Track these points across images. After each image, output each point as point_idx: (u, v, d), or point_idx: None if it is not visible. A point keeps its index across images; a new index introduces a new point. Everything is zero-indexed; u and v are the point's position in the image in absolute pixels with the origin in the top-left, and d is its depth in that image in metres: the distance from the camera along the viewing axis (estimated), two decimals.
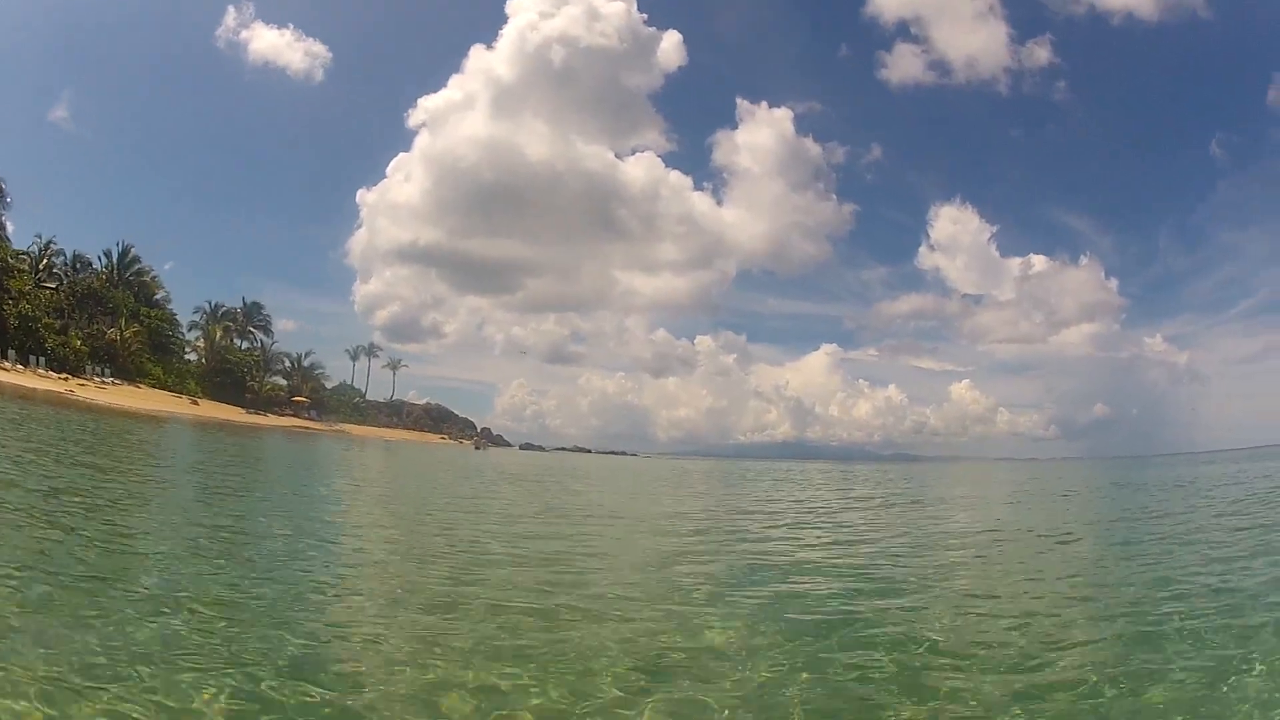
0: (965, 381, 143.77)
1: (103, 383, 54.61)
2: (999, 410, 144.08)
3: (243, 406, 67.94)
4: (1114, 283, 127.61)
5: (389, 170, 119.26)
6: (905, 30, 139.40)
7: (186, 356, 71.72)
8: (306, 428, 67.39)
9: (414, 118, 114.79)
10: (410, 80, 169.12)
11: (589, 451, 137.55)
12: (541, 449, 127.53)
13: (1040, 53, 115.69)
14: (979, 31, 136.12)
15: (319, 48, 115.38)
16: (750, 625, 6.07)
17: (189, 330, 73.39)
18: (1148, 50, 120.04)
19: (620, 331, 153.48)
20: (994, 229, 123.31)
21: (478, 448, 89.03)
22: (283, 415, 71.44)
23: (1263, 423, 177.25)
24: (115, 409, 45.72)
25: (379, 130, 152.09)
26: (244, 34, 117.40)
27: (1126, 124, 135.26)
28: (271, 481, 18.06)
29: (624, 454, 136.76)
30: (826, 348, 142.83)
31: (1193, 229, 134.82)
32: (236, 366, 72.95)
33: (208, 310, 75.42)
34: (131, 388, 56.60)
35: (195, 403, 61.38)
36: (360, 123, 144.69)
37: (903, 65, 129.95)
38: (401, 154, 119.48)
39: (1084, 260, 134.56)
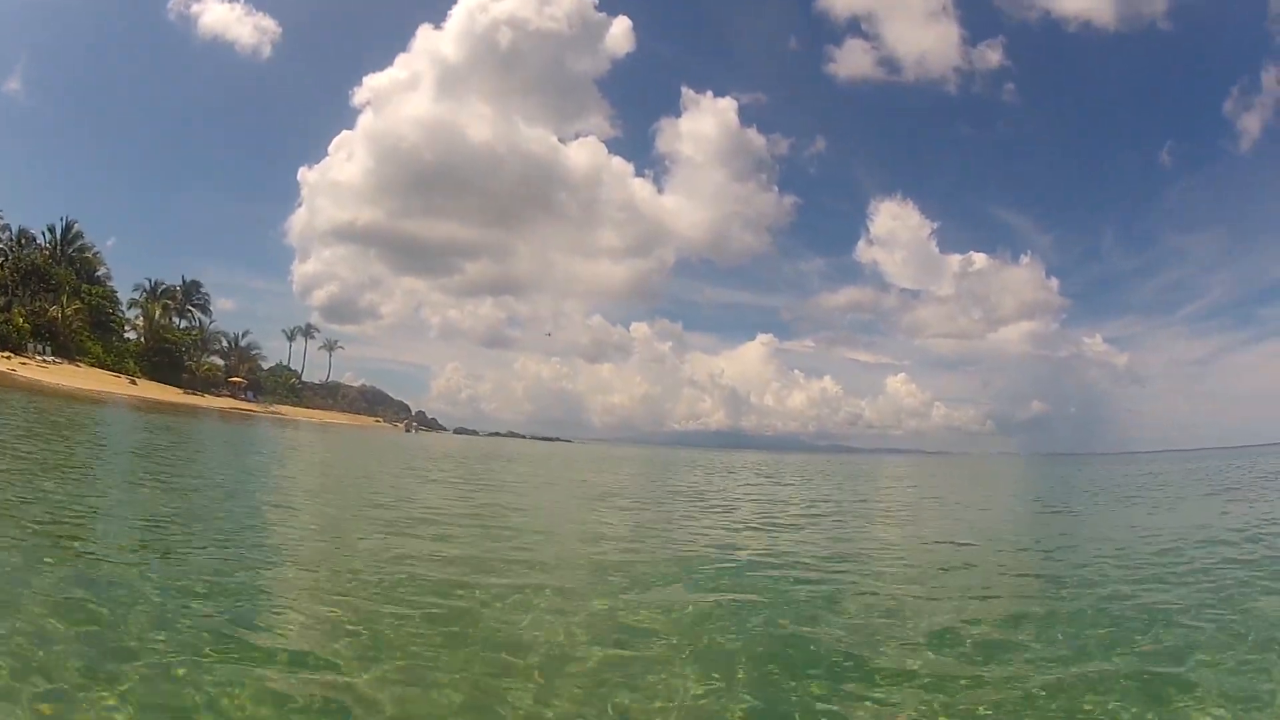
0: (901, 375, 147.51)
1: (44, 361, 56.95)
2: (935, 404, 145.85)
3: (180, 387, 70.23)
4: (1055, 282, 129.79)
5: (331, 149, 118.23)
6: (856, 26, 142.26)
7: (126, 335, 73.57)
8: (243, 410, 70.17)
9: (359, 96, 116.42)
10: (358, 58, 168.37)
11: (522, 437, 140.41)
12: (475, 433, 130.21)
13: (991, 55, 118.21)
14: (931, 31, 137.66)
15: (268, 22, 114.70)
16: (668, 616, 6.25)
17: (129, 308, 75.01)
18: (1102, 58, 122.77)
19: (556, 316, 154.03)
20: (935, 225, 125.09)
21: (408, 430, 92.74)
22: (219, 396, 73.98)
23: (1209, 426, 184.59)
24: (58, 389, 48.36)
25: (324, 108, 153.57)
26: (195, 7, 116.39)
27: (1075, 128, 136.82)
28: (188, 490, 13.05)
29: (557, 440, 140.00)
30: (763, 338, 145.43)
31: (1138, 232, 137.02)
32: (175, 346, 75.00)
33: (147, 288, 76.89)
34: (72, 367, 58.93)
35: (134, 382, 63.70)
36: (306, 100, 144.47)
37: (852, 60, 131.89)
38: (345, 132, 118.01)
39: (1025, 259, 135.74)
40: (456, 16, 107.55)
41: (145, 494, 11.29)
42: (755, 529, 12.79)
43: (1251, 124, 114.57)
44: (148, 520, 8.97)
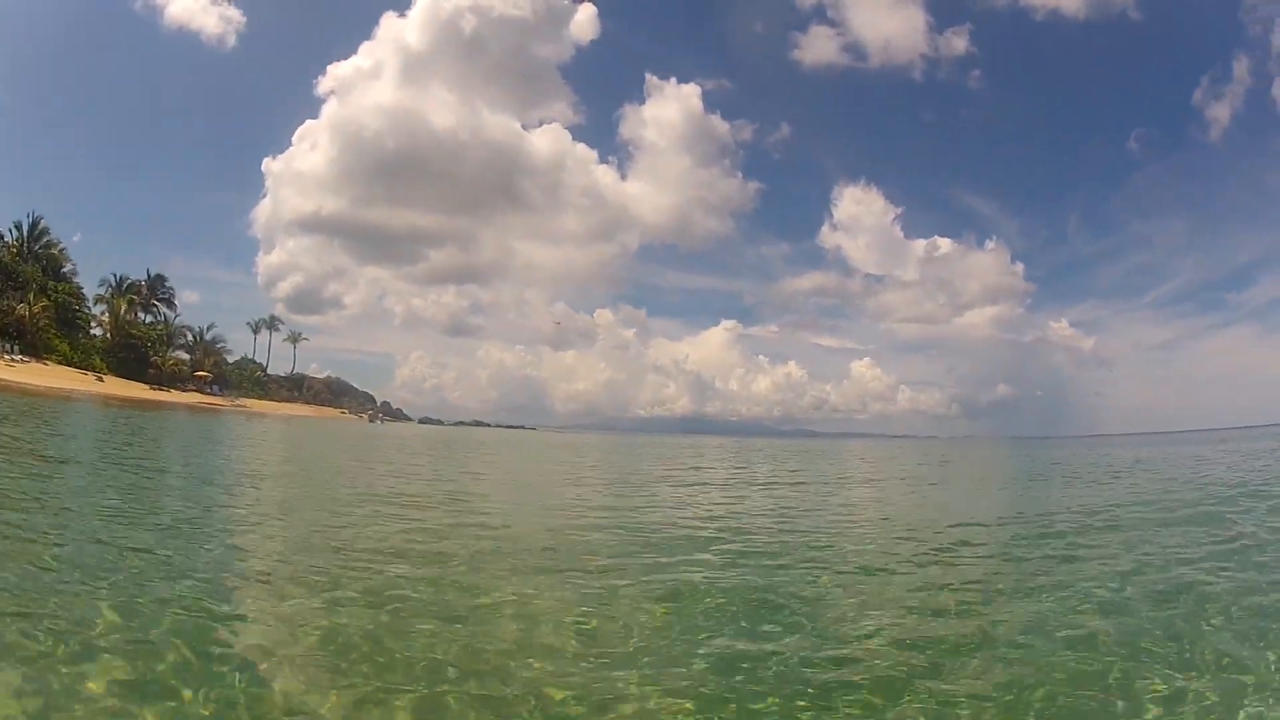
0: (866, 359, 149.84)
1: (11, 360, 58.64)
2: (900, 388, 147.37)
3: (146, 382, 71.96)
4: (1020, 267, 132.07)
5: (295, 138, 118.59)
6: (822, 12, 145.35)
7: (93, 332, 74.91)
8: (209, 404, 72.06)
9: (323, 85, 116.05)
10: (323, 47, 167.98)
11: (487, 425, 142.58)
12: (441, 423, 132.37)
13: (958, 42, 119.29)
14: (897, 17, 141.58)
15: (233, 11, 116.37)
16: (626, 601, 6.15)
17: (95, 304, 76.20)
18: (1071, 46, 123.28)
19: (520, 304, 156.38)
20: (899, 210, 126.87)
21: (371, 421, 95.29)
22: (186, 391, 75.72)
23: (1177, 409, 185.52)
24: (25, 388, 50.16)
25: (289, 97, 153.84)
26: None
27: (1042, 115, 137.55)
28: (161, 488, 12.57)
29: (522, 428, 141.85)
30: (726, 323, 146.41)
31: (1104, 217, 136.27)
32: (140, 341, 76.51)
33: (113, 283, 78.16)
34: (40, 365, 60.65)
35: (100, 379, 65.47)
36: (272, 89, 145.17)
37: (817, 46, 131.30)
38: (309, 121, 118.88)
39: (990, 244, 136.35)
40: (420, 4, 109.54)
41: (111, 490, 10.82)
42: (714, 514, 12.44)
43: (1221, 113, 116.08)
44: (113, 514, 8.73)
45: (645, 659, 4.80)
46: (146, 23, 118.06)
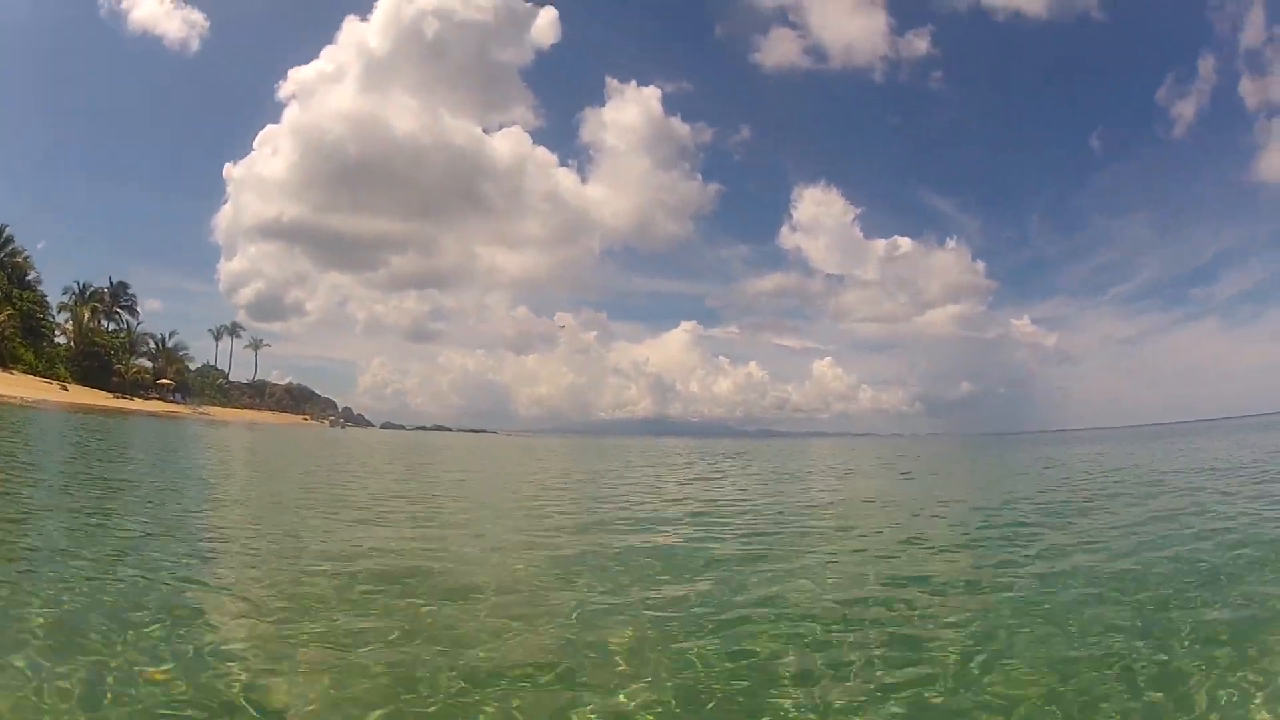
0: (828, 359, 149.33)
1: None
2: (862, 387, 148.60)
3: (109, 390, 73.17)
4: (981, 265, 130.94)
5: (257, 143, 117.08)
6: (783, 15, 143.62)
7: (57, 340, 75.67)
8: (172, 412, 73.56)
9: (284, 89, 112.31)
10: (285, 51, 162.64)
11: (449, 430, 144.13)
12: (403, 428, 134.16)
13: (919, 43, 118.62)
14: (858, 19, 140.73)
15: (197, 15, 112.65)
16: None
17: (59, 312, 77.02)
18: (1033, 46, 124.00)
19: (481, 309, 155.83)
20: (859, 211, 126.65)
21: (333, 426, 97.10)
22: (149, 399, 77.20)
23: (1142, 404, 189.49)
24: None
25: (251, 102, 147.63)
26: (125, 2, 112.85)
27: (1003, 115, 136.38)
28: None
29: (484, 432, 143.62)
30: (687, 325, 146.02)
31: (1066, 214, 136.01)
32: (104, 350, 77.67)
33: (76, 291, 79.07)
34: (6, 374, 62.01)
35: (65, 388, 66.76)
36: (234, 94, 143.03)
37: (778, 49, 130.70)
38: (270, 126, 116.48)
39: (951, 243, 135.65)
40: (382, 8, 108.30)
41: (76, 496, 11.07)
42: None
43: (1186, 110, 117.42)
44: (82, 521, 8.93)
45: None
46: (111, 29, 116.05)
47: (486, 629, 5.26)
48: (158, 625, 4.99)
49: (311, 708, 3.90)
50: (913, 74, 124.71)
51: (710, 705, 4.11)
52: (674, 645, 4.97)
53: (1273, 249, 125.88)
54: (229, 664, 4.37)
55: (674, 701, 4.12)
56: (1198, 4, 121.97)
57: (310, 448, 34.40)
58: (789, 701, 4.14)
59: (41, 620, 4.89)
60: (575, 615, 5.59)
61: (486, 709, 3.95)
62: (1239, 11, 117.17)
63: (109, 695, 3.90)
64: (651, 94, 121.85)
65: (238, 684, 4.08)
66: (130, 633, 4.77)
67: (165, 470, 16.89)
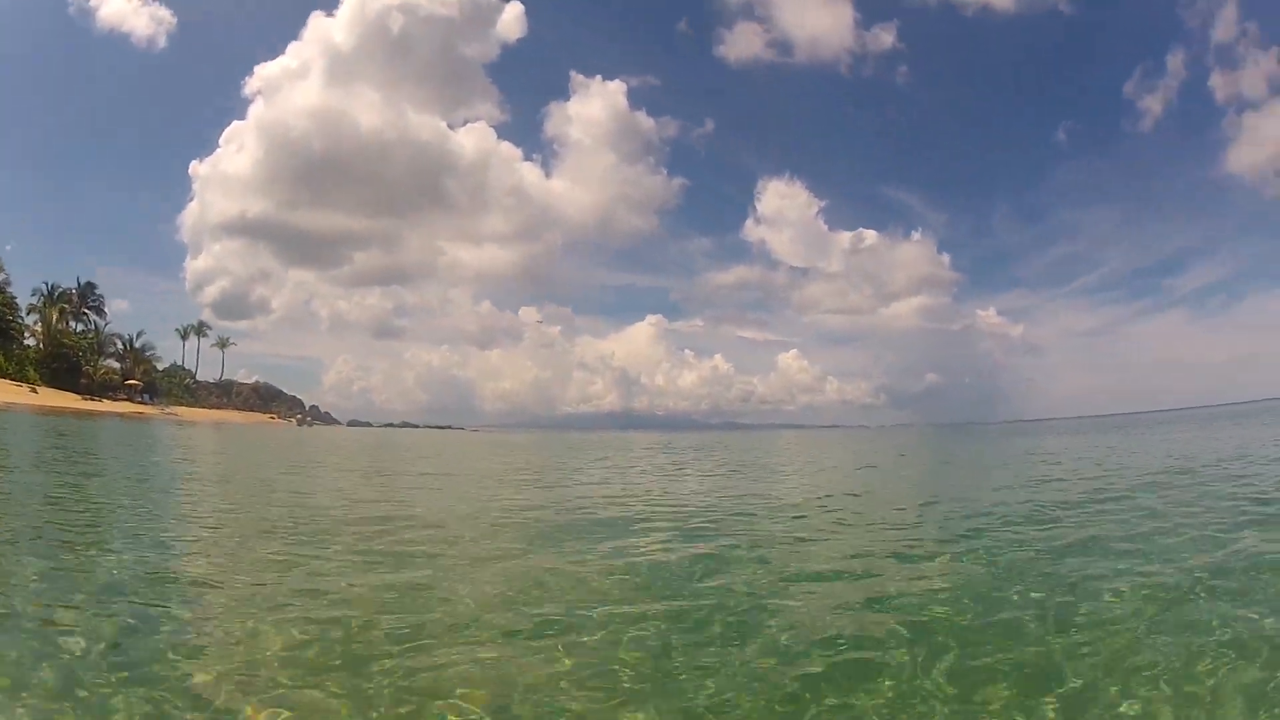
0: (793, 351, 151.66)
1: None
2: (827, 379, 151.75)
3: (78, 392, 74.60)
4: (946, 257, 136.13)
5: (222, 140, 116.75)
6: (749, 9, 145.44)
7: (25, 342, 76.62)
8: (140, 413, 75.08)
9: (250, 86, 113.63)
10: (251, 47, 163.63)
11: (415, 426, 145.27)
12: (369, 425, 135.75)
13: (885, 37, 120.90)
14: (824, 13, 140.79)
15: (164, 12, 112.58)
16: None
17: (27, 314, 77.92)
18: (1000, 40, 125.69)
19: (445, 304, 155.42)
20: (823, 204, 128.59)
21: (300, 425, 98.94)
22: (117, 400, 78.84)
23: (1108, 394, 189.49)
24: None
25: (217, 99, 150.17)
26: (93, 0, 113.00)
27: (969, 109, 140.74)
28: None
29: (450, 428, 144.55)
30: (652, 318, 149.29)
31: (1030, 207, 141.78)
32: (72, 351, 78.89)
33: (45, 292, 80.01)
34: None
35: (35, 391, 68.34)
36: (201, 91, 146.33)
37: (743, 43, 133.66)
38: (236, 123, 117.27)
39: (916, 235, 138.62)
40: (348, 3, 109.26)
41: (49, 499, 10.85)
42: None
43: (1154, 104, 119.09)
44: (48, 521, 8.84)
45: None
46: (81, 27, 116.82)
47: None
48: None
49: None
50: (879, 68, 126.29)
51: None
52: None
53: (1242, 242, 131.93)
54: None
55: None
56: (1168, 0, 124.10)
57: (280, 449, 34.13)
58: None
59: None
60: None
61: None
62: (1210, 7, 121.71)
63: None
64: (617, 88, 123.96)
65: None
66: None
67: (131, 476, 15.96)
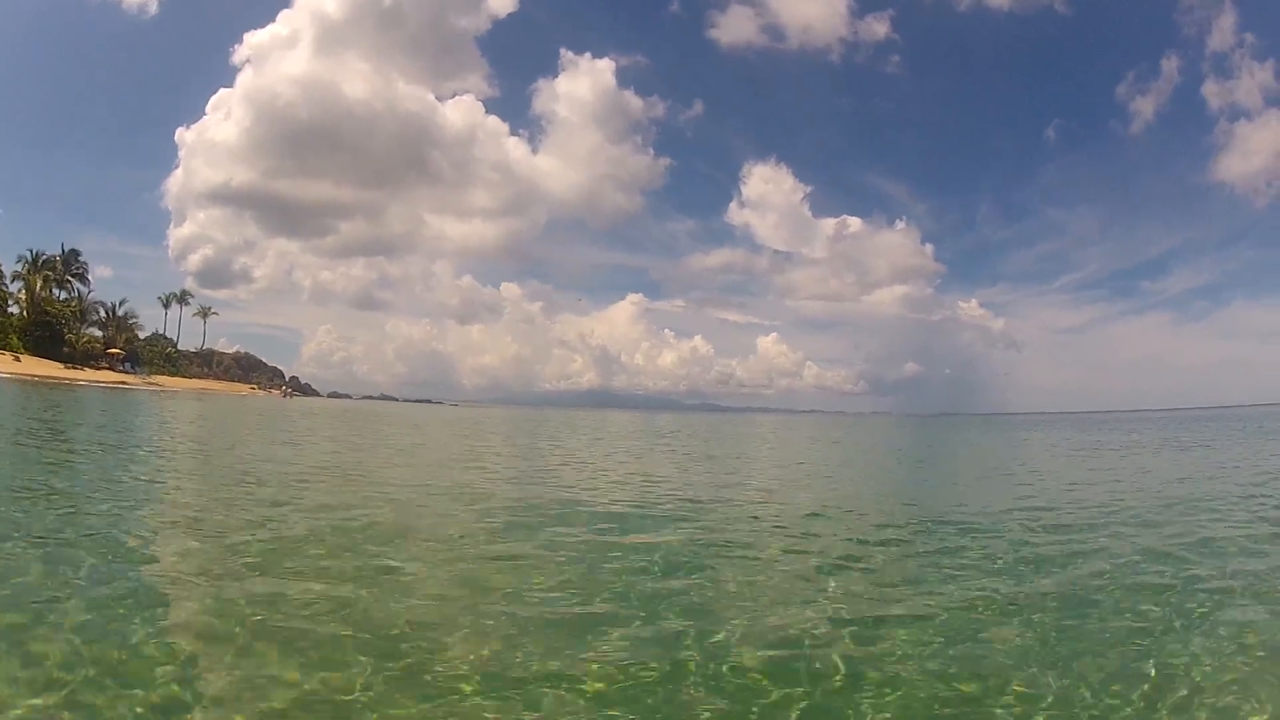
0: (773, 335, 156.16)
1: None
2: (807, 364, 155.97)
3: (60, 360, 75.52)
4: (930, 248, 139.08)
5: (209, 108, 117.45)
6: None
7: (9, 310, 77.32)
8: (122, 383, 75.95)
9: (239, 54, 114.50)
10: (242, 14, 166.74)
11: (395, 399, 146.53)
12: (349, 397, 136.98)
13: (879, 27, 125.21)
14: (818, 1, 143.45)
15: None
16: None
17: (11, 281, 78.62)
18: (994, 36, 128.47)
19: (428, 277, 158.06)
20: (808, 190, 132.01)
21: (285, 396, 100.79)
22: (99, 369, 79.74)
23: (1088, 391, 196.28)
24: None
25: (207, 66, 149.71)
26: None
27: (959, 102, 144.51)
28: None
29: (429, 402, 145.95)
30: (632, 297, 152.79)
31: (1015, 203, 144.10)
32: (55, 319, 79.64)
33: (29, 260, 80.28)
34: None
35: (18, 359, 69.51)
36: (189, 58, 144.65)
37: (735, 26, 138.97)
38: (224, 90, 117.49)
39: (900, 225, 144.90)
40: None
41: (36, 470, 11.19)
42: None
43: (1145, 107, 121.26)
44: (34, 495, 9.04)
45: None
46: None
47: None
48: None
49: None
50: (870, 57, 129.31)
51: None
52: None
53: (1227, 249, 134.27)
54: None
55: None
56: (1165, 6, 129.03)
57: (272, 421, 34.32)
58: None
59: None
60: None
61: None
62: (1207, 16, 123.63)
63: None
64: (606, 66, 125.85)
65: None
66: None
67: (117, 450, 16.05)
